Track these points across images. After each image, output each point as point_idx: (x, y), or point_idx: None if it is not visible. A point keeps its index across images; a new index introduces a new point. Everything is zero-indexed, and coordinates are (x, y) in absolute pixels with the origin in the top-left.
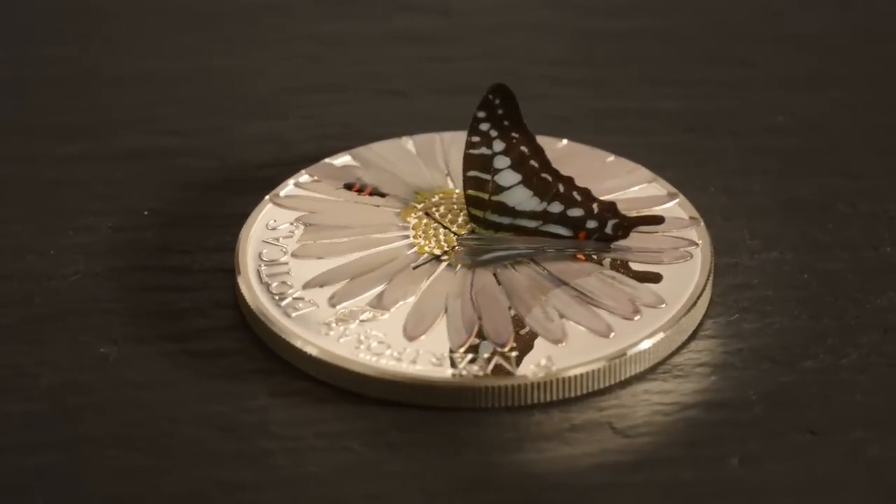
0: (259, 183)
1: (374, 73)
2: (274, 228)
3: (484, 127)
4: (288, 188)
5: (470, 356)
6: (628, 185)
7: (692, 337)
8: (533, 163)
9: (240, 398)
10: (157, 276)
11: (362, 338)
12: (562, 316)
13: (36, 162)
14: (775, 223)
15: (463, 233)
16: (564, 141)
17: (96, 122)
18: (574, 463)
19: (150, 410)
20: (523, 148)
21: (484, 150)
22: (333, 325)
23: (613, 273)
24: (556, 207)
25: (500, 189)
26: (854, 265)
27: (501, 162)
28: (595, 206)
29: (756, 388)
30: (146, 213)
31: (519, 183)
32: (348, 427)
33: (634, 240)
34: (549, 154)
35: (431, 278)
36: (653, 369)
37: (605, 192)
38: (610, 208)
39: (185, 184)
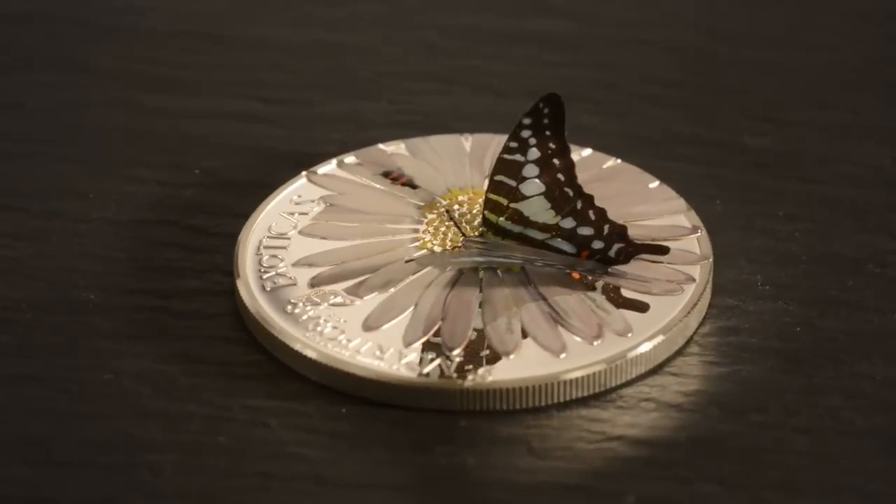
0: (314, 159)
1: (481, 69)
2: (298, 203)
3: (525, 134)
4: (328, 167)
5: (415, 355)
6: (658, 213)
7: (655, 371)
8: (560, 176)
9: (189, 362)
10: (174, 233)
11: (322, 321)
12: (523, 329)
13: (120, 109)
14: (797, 273)
15: (473, 234)
16: (617, 160)
17: (198, 79)
18: (472, 474)
19: (101, 359)
20: (555, 160)
21: (518, 157)
22: (300, 304)
23: (596, 296)
24: (568, 223)
25: (521, 197)
26: (854, 327)
27: (531, 171)
28: (606, 227)
29: (689, 431)
30: (197, 171)
31: (541, 194)
32: (276, 405)
33: (634, 266)
34: (594, 171)
35: (418, 274)
36: (599, 396)
37: (631, 217)
38: (619, 232)
39: (247, 149)
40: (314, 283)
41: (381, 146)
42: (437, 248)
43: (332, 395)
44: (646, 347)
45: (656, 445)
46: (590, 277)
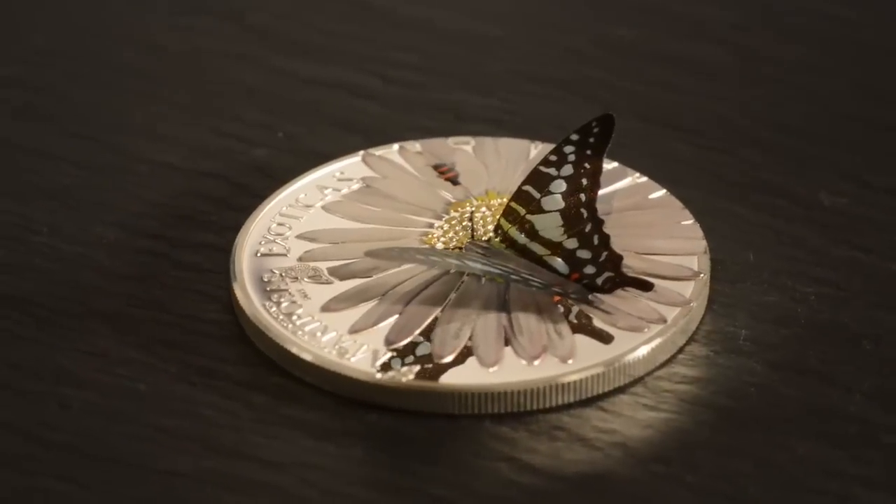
0: (391, 141)
1: (605, 83)
2: (340, 179)
3: (568, 149)
4: (387, 150)
5: (350, 342)
6: (673, 250)
7: (585, 402)
8: (581, 196)
9: (158, 309)
10: (218, 186)
11: (288, 294)
12: (469, 339)
13: (247, 64)
14: (786, 335)
15: (481, 239)
16: (662, 192)
17: (336, 49)
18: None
19: (81, 294)
20: (584, 180)
21: (551, 171)
22: (278, 275)
23: (563, 319)
24: (571, 244)
25: (539, 210)
26: (810, 399)
27: (558, 186)
28: (604, 254)
29: (580, 468)
30: (280, 134)
31: (557, 210)
32: (215, 367)
33: (615, 297)
34: (637, 198)
35: (401, 268)
36: (518, 416)
37: (646, 249)
38: (614, 261)
39: (340, 122)
40: (303, 257)
41: (449, 140)
42: (440, 246)
43: (270, 366)
44: (578, 377)
45: (543, 476)
46: (568, 301)
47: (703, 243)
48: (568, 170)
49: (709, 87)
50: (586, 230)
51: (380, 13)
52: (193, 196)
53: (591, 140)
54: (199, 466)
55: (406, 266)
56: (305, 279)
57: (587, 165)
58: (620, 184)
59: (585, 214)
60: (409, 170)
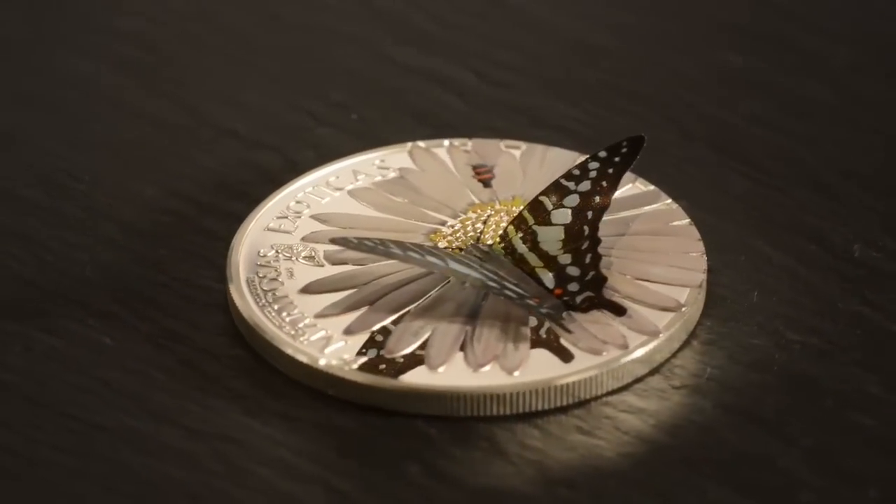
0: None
1: (701, 112)
2: (379, 167)
3: (592, 165)
4: (437, 145)
5: (305, 324)
6: (667, 279)
7: (520, 418)
8: (588, 213)
9: (158, 274)
10: (261, 156)
11: (275, 271)
12: (427, 339)
13: (360, 48)
14: (739, 386)
15: (488, 243)
16: (685, 222)
17: (455, 42)
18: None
19: (91, 240)
20: (596, 197)
21: (570, 185)
22: (274, 251)
23: (528, 332)
24: (565, 259)
25: (546, 222)
26: (744, 446)
27: (572, 200)
28: (591, 273)
29: (472, 480)
30: (354, 117)
31: (563, 224)
32: (185, 333)
33: (589, 318)
34: (657, 224)
35: (392, 262)
36: (433, 420)
37: (640, 274)
38: (598, 281)
39: (416, 113)
40: (307, 237)
41: (502, 142)
42: (443, 244)
43: (237, 338)
44: (517, 390)
45: (446, 482)
46: (540, 318)
47: (702, 277)
48: (585, 186)
49: (798, 124)
50: (583, 247)
51: (506, 11)
52: (242, 166)
53: (617, 159)
54: (124, 425)
55: (395, 262)
56: (300, 259)
57: (604, 184)
58: (649, 207)
59: (587, 232)
60: (449, 166)
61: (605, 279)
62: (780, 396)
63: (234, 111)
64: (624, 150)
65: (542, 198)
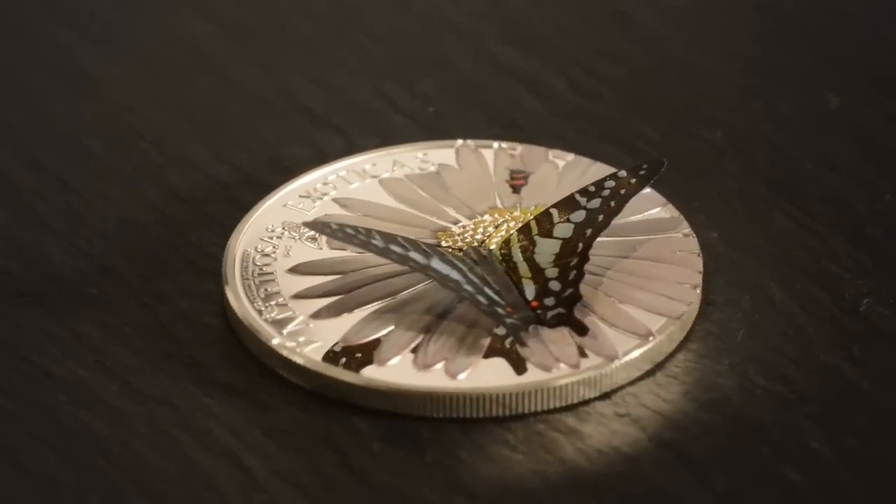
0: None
1: (773, 150)
2: (421, 160)
3: (609, 184)
4: (486, 146)
5: (278, 304)
6: (647, 307)
7: (430, 422)
8: (588, 231)
9: (168, 235)
10: (305, 135)
11: (273, 248)
12: (383, 336)
13: (471, 53)
14: (694, 423)
15: (491, 247)
16: (694, 254)
17: (558, 43)
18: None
19: (124, 194)
20: (601, 216)
21: (582, 200)
22: (278, 229)
23: (487, 341)
24: (551, 273)
25: (549, 234)
26: (654, 481)
27: (577, 216)
28: (569, 291)
29: (369, 475)
30: (431, 110)
31: (562, 239)
32: (174, 295)
33: (554, 333)
34: (663, 252)
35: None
36: (368, 413)
37: (624, 298)
38: (573, 299)
39: (495, 113)
40: (319, 218)
41: (550, 151)
42: (444, 243)
43: (217, 306)
44: (448, 394)
45: (345, 471)
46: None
47: (683, 309)
48: (595, 203)
49: (868, 172)
50: (571, 264)
51: (622, 23)
52: (301, 143)
53: (633, 181)
54: (73, 375)
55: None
56: (303, 239)
57: (612, 203)
58: (663, 235)
59: (579, 248)
60: (489, 168)
61: (579, 297)
62: (719, 439)
63: (318, 90)
64: (642, 172)
65: (552, 210)
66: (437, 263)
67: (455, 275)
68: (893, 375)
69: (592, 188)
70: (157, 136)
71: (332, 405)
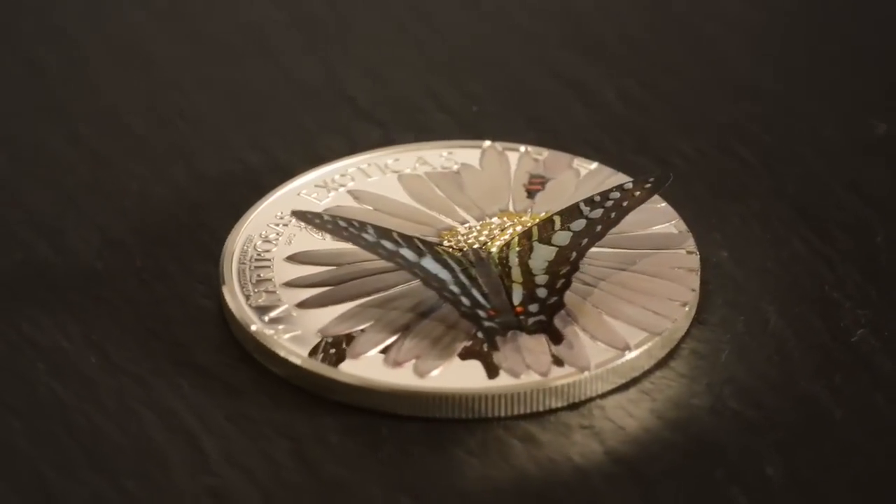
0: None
1: (808, 177)
2: (446, 158)
3: (614, 195)
4: (512, 148)
5: (266, 290)
6: (632, 321)
7: (390, 419)
8: (584, 240)
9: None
10: (354, 133)
11: (276, 235)
12: (361, 331)
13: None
14: (653, 441)
15: (492, 250)
16: (692, 273)
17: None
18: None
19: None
20: (599, 226)
21: (585, 209)
22: (286, 216)
23: (464, 342)
24: (541, 280)
25: (547, 241)
26: (594, 497)
27: (578, 225)
28: (554, 299)
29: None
30: (475, 108)
31: (558, 247)
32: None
33: (531, 340)
34: (661, 268)
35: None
36: (330, 406)
37: (611, 311)
38: (556, 307)
39: (551, 118)
40: (329, 209)
41: (575, 159)
42: (446, 243)
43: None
44: (411, 391)
45: (292, 460)
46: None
47: (667, 326)
48: (597, 213)
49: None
50: (561, 272)
51: (685, 34)
52: (338, 134)
53: (637, 193)
54: (55, 345)
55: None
56: (309, 228)
57: (613, 215)
58: (666, 250)
59: (572, 257)
60: (510, 171)
61: (562, 306)
62: (677, 458)
63: (367, 82)
64: (648, 185)
65: (556, 217)
66: (428, 262)
67: (444, 275)
68: (868, 407)
69: (598, 198)
70: (197, 117)
71: (301, 395)
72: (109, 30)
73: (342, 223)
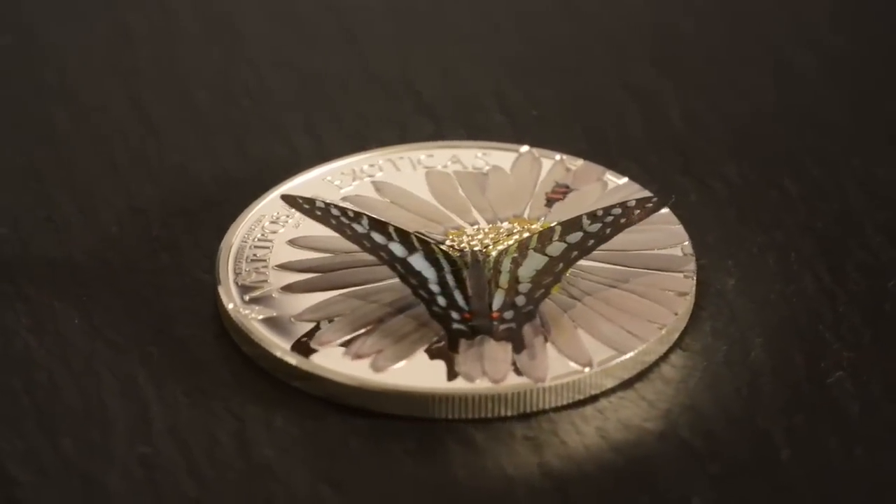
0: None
1: (839, 213)
2: (479, 159)
3: (615, 211)
4: (548, 156)
5: (254, 271)
6: (605, 340)
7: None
8: (574, 253)
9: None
10: (410, 129)
11: (283, 220)
12: (333, 320)
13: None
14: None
15: (493, 253)
16: (685, 296)
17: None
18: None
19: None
20: (592, 241)
21: (586, 223)
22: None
23: (432, 341)
24: (524, 288)
25: (542, 251)
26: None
27: (573, 238)
28: (529, 308)
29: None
30: (534, 113)
31: (550, 257)
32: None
33: (498, 347)
34: (651, 290)
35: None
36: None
37: (590, 329)
38: (528, 317)
39: (606, 129)
40: (348, 197)
41: (608, 172)
42: (448, 243)
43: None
44: (359, 385)
45: (239, 445)
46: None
47: (637, 347)
48: (595, 227)
49: None
50: (543, 283)
51: (786, 67)
52: (390, 126)
53: (637, 212)
54: (48, 303)
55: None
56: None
57: (608, 231)
58: (664, 272)
59: (558, 269)
60: (539, 178)
61: (533, 316)
62: (607, 480)
63: (438, 78)
64: (648, 205)
65: (557, 227)
66: (416, 258)
67: (429, 273)
68: (819, 451)
69: (600, 212)
70: (263, 96)
71: (263, 377)
72: (203, 2)
73: (335, 211)
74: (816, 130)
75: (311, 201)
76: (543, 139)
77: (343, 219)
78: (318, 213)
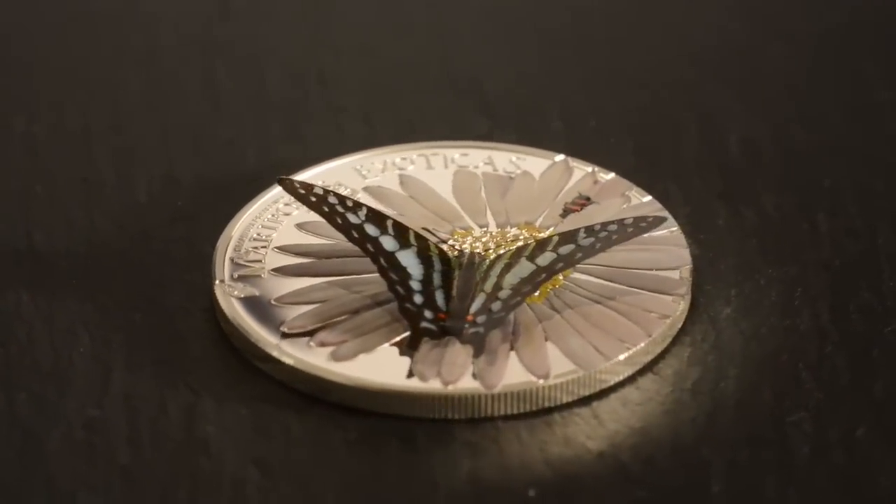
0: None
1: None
2: (512, 163)
3: (611, 227)
4: (582, 166)
5: (248, 253)
6: (572, 355)
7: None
8: (560, 265)
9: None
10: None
11: (283, 205)
12: (307, 307)
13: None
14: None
15: (492, 256)
16: (682, 304)
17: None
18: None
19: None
20: (579, 254)
21: (581, 236)
22: (322, 182)
23: (401, 336)
24: (503, 294)
25: (532, 260)
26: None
27: (565, 249)
28: (501, 314)
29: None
30: (592, 123)
31: (538, 267)
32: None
33: (461, 349)
34: (635, 309)
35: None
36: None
37: (559, 340)
38: (496, 323)
39: (643, 142)
40: (367, 188)
41: (634, 188)
42: (449, 243)
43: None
44: (324, 378)
45: (216, 429)
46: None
47: (599, 365)
48: (588, 241)
49: None
50: (522, 290)
51: (829, 78)
52: (444, 122)
53: (630, 230)
54: (52, 259)
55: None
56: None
57: (598, 246)
58: (653, 293)
59: (540, 278)
60: (565, 188)
61: (501, 322)
62: (526, 494)
63: (506, 80)
64: (643, 224)
65: (554, 237)
66: (405, 254)
67: (415, 269)
68: (752, 489)
69: (598, 227)
70: (334, 81)
71: (233, 355)
72: None
73: (332, 199)
74: (869, 169)
75: (308, 186)
76: (592, 151)
77: (339, 207)
78: (313, 199)
